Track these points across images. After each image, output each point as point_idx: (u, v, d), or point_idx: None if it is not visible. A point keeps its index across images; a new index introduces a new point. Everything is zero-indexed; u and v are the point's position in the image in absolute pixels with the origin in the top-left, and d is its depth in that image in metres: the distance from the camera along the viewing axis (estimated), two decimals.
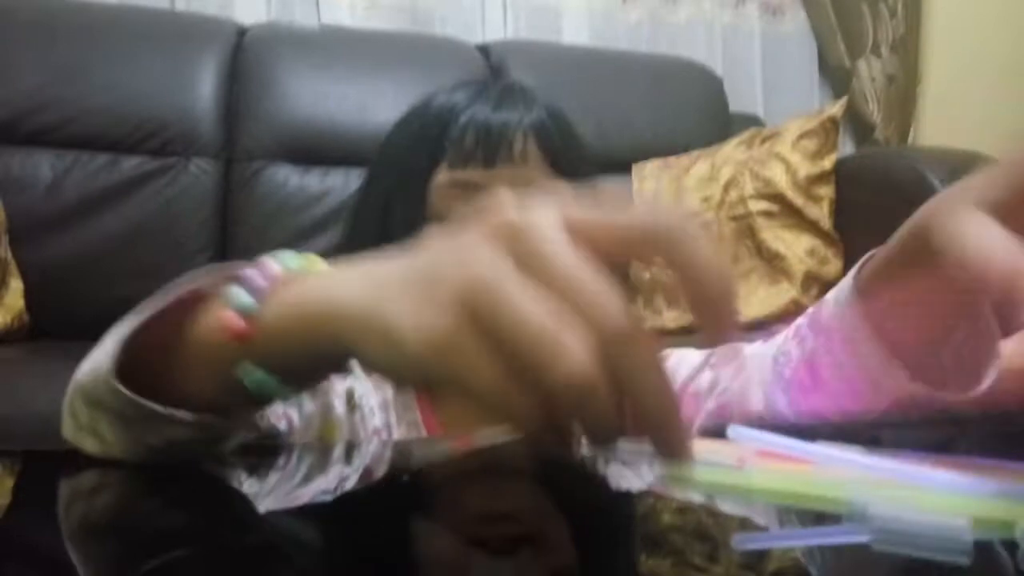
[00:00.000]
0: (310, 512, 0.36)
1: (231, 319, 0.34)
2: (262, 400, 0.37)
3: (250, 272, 0.35)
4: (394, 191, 0.64)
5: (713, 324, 0.26)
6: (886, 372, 0.45)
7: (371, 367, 0.30)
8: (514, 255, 0.25)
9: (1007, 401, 0.85)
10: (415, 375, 0.27)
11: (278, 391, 0.35)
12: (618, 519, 0.35)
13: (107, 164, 1.43)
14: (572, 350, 0.24)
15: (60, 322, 1.32)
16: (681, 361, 0.63)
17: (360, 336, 0.28)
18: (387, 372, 0.29)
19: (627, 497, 0.38)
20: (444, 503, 0.37)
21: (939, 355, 0.44)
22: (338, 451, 0.52)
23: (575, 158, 0.65)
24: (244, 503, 0.38)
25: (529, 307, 0.24)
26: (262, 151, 1.49)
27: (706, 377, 0.60)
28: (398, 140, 0.66)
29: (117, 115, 1.44)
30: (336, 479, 0.43)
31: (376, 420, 0.62)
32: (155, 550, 0.30)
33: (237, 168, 1.48)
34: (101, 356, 0.37)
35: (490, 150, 0.61)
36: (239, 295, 0.34)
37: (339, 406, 0.58)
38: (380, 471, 0.46)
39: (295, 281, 0.34)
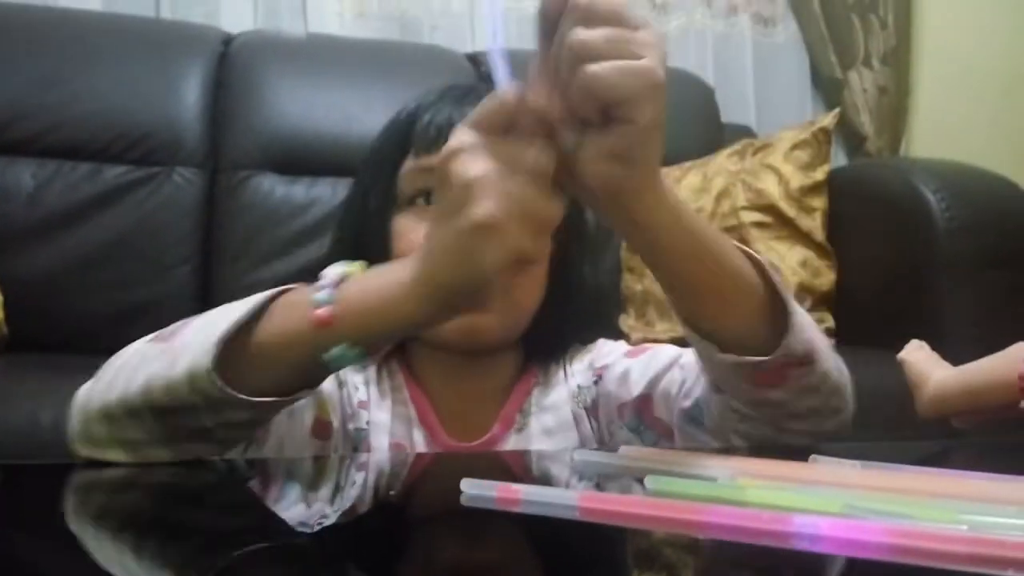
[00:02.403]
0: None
1: (312, 312, 0.45)
2: (334, 371, 0.48)
3: (319, 281, 0.47)
4: (369, 186, 0.67)
5: None
6: None
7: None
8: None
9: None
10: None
11: (357, 358, 0.46)
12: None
13: (90, 173, 1.40)
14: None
15: (39, 334, 1.29)
16: (656, 355, 0.66)
17: (414, 283, 0.44)
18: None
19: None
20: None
21: None
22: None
23: None
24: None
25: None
26: (247, 160, 1.46)
27: (676, 376, 0.62)
28: (375, 145, 0.70)
29: (100, 124, 1.42)
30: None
31: (360, 394, 0.67)
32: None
33: (222, 178, 1.46)
34: (165, 364, 0.46)
35: (448, 136, 0.61)
36: (317, 293, 0.46)
37: (327, 385, 0.61)
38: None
39: (358, 279, 0.47)
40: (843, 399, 0.55)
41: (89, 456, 0.48)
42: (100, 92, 1.43)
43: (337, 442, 0.64)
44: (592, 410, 0.69)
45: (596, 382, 0.69)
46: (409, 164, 0.65)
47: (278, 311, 0.47)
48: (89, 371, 0.50)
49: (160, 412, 0.46)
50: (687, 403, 0.60)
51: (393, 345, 0.69)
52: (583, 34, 0.40)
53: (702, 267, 0.47)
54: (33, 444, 0.93)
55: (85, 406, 0.48)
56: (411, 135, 0.65)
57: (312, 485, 0.48)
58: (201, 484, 0.47)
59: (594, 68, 0.39)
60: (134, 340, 0.51)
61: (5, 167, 1.37)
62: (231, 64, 1.52)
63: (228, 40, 1.57)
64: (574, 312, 0.69)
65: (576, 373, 0.70)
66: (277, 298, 0.48)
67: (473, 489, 0.37)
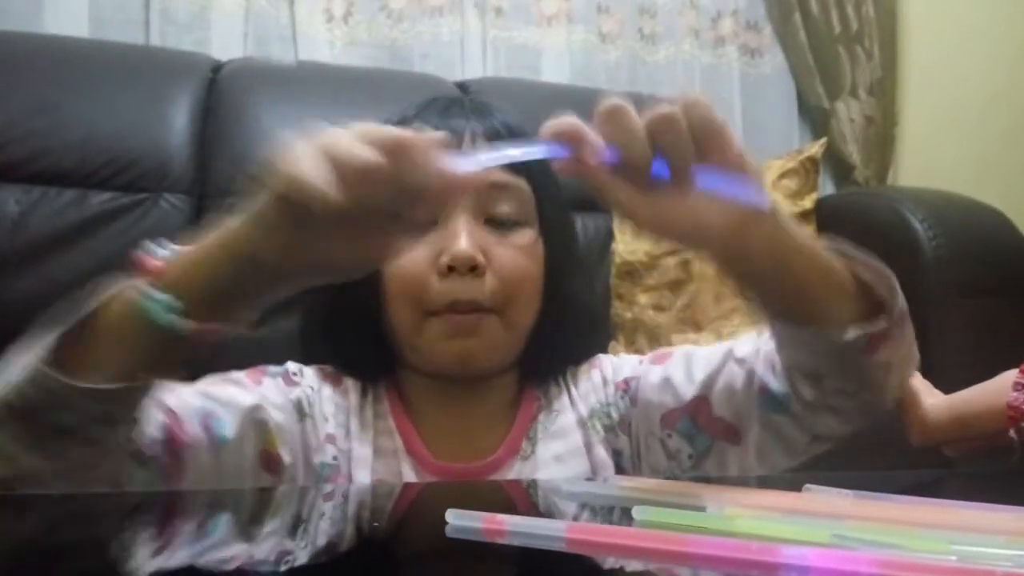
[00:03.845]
0: None
1: (147, 260, 0.47)
2: (168, 337, 0.46)
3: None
4: None
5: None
6: None
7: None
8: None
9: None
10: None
11: (180, 314, 0.46)
12: None
13: (76, 199, 1.39)
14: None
15: None
16: (693, 357, 0.65)
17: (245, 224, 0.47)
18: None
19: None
20: None
21: None
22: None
23: (534, 163, 0.65)
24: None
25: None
26: (235, 186, 1.46)
27: (736, 370, 0.62)
28: None
29: (88, 150, 1.41)
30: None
31: (329, 427, 0.64)
32: None
33: (209, 204, 1.45)
34: (16, 363, 0.47)
35: None
36: (154, 249, 0.48)
37: (277, 416, 0.61)
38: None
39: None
40: (915, 352, 0.58)
41: None
42: (88, 118, 1.42)
43: (294, 477, 0.61)
44: (622, 426, 0.67)
45: (623, 396, 0.67)
46: None
47: (119, 292, 0.48)
48: None
49: (19, 413, 0.47)
50: (767, 391, 0.59)
51: (378, 372, 0.68)
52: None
53: (812, 266, 0.51)
54: None
55: None
56: None
57: (255, 518, 0.46)
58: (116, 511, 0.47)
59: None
60: None
61: None
62: (220, 91, 1.52)
63: (217, 67, 1.56)
64: (568, 330, 0.68)
65: (586, 395, 0.69)
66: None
67: (458, 520, 0.36)
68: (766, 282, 0.52)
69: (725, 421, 0.62)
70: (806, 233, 0.52)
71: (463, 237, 0.60)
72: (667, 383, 0.65)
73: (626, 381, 0.68)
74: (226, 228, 0.47)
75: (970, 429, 0.88)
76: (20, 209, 1.37)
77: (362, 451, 0.64)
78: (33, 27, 1.56)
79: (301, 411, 0.63)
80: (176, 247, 0.49)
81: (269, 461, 0.60)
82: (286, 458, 0.61)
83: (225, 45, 1.68)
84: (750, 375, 0.60)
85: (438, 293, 0.60)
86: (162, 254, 0.48)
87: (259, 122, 1.49)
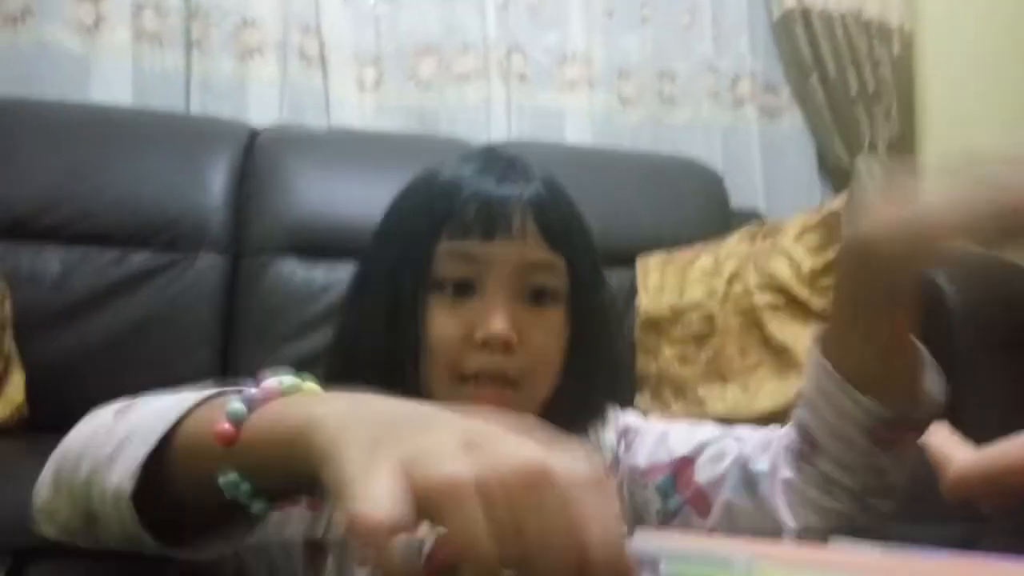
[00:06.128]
0: None
1: (221, 423, 0.40)
2: (235, 505, 0.41)
3: (248, 386, 0.41)
4: (398, 264, 0.65)
5: None
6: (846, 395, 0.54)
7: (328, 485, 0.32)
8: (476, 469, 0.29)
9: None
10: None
11: (249, 497, 0.40)
12: None
13: (115, 259, 1.44)
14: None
15: (60, 415, 1.29)
16: (700, 426, 0.66)
17: (319, 459, 0.33)
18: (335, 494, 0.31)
19: None
20: None
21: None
22: None
23: (574, 235, 0.67)
24: None
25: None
26: (270, 245, 1.50)
27: (731, 445, 0.63)
28: (402, 213, 0.68)
29: (128, 212, 1.47)
30: None
31: None
32: None
33: (245, 263, 1.50)
34: (103, 458, 0.43)
35: (489, 223, 0.62)
36: (234, 402, 0.40)
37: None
38: None
39: (285, 398, 0.40)
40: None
41: (40, 528, 0.48)
42: (129, 182, 1.48)
43: (331, 507, 0.60)
44: (613, 467, 0.68)
45: (620, 440, 0.69)
46: (445, 246, 0.63)
47: (199, 415, 0.43)
48: None
49: (92, 516, 0.45)
50: (749, 468, 0.60)
51: None
52: None
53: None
54: None
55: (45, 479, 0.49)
56: (446, 212, 0.63)
57: None
58: None
59: None
60: None
61: (35, 254, 1.41)
62: (256, 156, 1.58)
63: (254, 134, 1.63)
64: (590, 396, 0.68)
65: (606, 440, 0.70)
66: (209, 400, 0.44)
67: None
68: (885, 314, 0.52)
69: (699, 487, 0.63)
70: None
71: (499, 316, 0.61)
72: (664, 438, 0.66)
73: (626, 429, 0.69)
74: (301, 423, 0.36)
75: (1004, 482, 0.87)
76: (62, 269, 1.42)
77: None
78: (80, 95, 1.63)
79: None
80: (253, 396, 0.41)
81: (314, 499, 0.60)
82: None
83: (261, 112, 1.74)
84: (739, 453, 0.62)
85: (470, 362, 0.62)
86: (236, 409, 0.40)
87: (294, 184, 1.55)
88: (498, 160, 0.68)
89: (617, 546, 0.30)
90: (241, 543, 0.45)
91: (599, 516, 0.30)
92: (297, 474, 0.36)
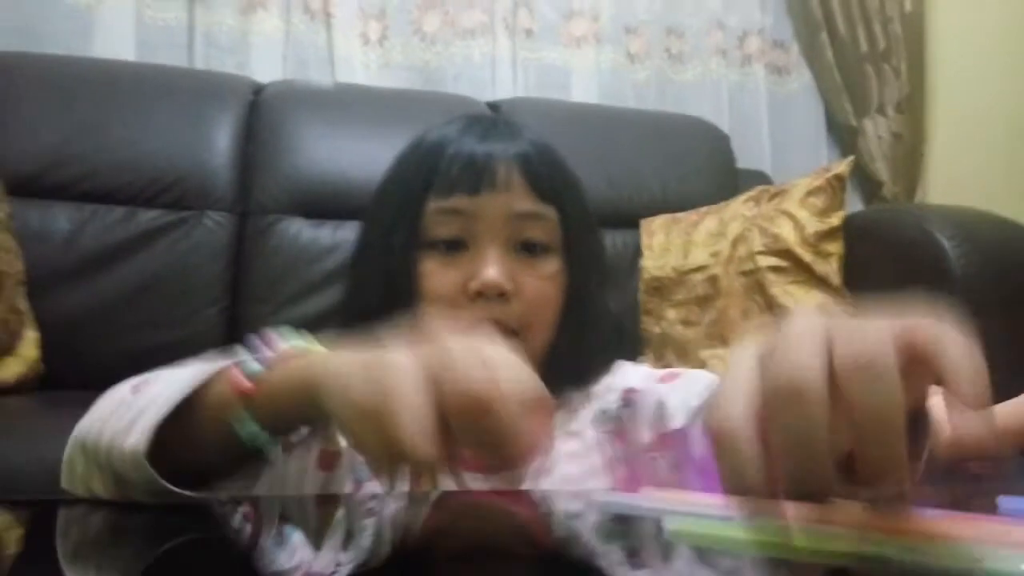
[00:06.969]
0: None
1: (240, 380, 0.47)
2: (251, 453, 0.48)
3: (253, 345, 0.49)
4: (391, 225, 0.66)
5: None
6: None
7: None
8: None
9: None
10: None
11: (267, 443, 0.47)
12: None
13: (124, 217, 1.45)
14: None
15: (73, 372, 1.33)
16: (692, 383, 0.65)
17: (327, 404, 0.42)
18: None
19: None
20: None
21: None
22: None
23: (562, 188, 0.67)
24: None
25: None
26: (276, 205, 1.51)
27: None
28: (395, 177, 0.69)
29: (135, 169, 1.47)
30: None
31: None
32: None
33: (251, 221, 1.51)
34: (122, 427, 0.48)
35: (474, 177, 0.64)
36: (250, 362, 0.48)
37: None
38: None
39: (294, 357, 0.48)
40: None
41: (70, 488, 0.52)
42: (135, 139, 1.48)
43: (344, 469, 0.62)
44: (617, 435, 0.68)
45: (624, 406, 0.68)
46: (433, 205, 0.64)
47: (215, 382, 0.48)
48: None
49: (119, 478, 0.49)
50: None
51: None
52: None
53: None
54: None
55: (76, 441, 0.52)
56: (433, 172, 0.64)
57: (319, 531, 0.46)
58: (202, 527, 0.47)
59: None
60: None
61: (43, 211, 1.42)
62: (261, 112, 1.58)
63: (258, 90, 1.62)
64: (589, 348, 0.68)
65: (597, 395, 0.70)
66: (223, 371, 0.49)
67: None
68: None
69: (700, 464, 0.63)
70: None
71: (492, 266, 0.62)
72: (661, 407, 0.65)
73: (630, 391, 0.68)
74: (314, 373, 0.45)
75: (999, 445, 0.89)
76: (71, 227, 1.43)
77: None
78: (82, 51, 1.62)
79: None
80: (268, 356, 0.49)
81: (327, 459, 0.62)
82: (343, 444, 0.61)
83: (265, 68, 1.73)
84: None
85: (468, 314, 0.62)
86: (253, 369, 0.48)
87: (298, 142, 1.54)
88: (482, 120, 0.70)
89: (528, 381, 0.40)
90: (254, 480, 0.51)
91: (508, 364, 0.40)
92: (309, 417, 0.47)
